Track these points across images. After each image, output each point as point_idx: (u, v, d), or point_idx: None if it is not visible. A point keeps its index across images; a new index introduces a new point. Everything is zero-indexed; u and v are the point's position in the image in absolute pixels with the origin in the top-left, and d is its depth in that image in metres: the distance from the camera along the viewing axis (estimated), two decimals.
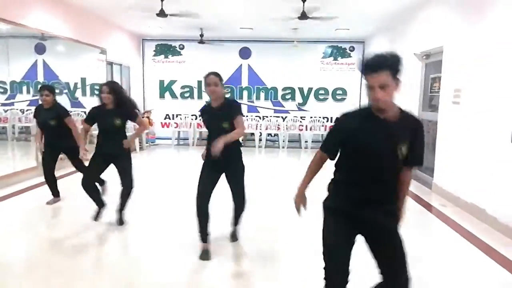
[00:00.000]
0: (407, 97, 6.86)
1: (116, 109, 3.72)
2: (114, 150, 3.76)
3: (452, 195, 5.06)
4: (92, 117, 3.85)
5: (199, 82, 10.78)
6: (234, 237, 3.58)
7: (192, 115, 10.60)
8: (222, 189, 3.26)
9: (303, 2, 5.99)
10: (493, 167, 4.18)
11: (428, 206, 5.05)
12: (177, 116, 10.82)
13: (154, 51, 10.85)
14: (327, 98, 10.62)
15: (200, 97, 10.86)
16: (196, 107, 10.63)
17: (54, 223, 4.24)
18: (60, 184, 4.88)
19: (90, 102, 8.96)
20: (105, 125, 3.76)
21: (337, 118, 1.93)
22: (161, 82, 10.90)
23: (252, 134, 10.44)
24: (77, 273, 2.97)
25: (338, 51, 10.52)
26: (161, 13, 6.12)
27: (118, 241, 3.72)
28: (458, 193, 4.91)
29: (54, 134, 4.42)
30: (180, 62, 10.83)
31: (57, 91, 4.81)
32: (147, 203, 4.84)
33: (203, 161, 3.27)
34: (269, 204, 4.95)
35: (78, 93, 9.32)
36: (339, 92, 10.55)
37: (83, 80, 9.10)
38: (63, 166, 5.55)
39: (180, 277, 2.95)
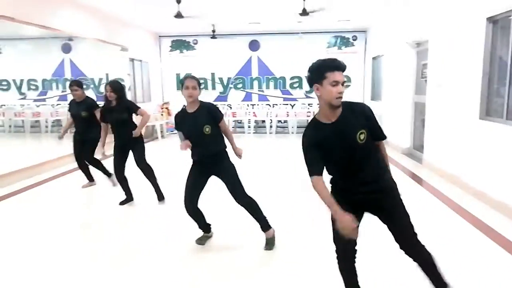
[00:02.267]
0: (401, 83, 7.54)
1: (120, 105, 4.34)
2: (126, 140, 4.39)
3: (437, 168, 5.76)
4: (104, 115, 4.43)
5: (212, 74, 11.62)
6: (267, 244, 3.32)
7: None
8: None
9: (304, 0, 6.69)
10: (466, 140, 4.88)
11: (418, 180, 5.73)
12: None
13: (170, 46, 11.68)
14: None
15: (213, 87, 11.71)
16: (209, 98, 11.45)
17: (85, 203, 5.06)
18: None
19: None
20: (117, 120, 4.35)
21: (303, 141, 2.10)
22: (178, 75, 11.74)
23: (263, 121, 11.21)
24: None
25: (342, 41, 11.16)
26: (178, 15, 6.88)
27: (135, 218, 4.57)
28: (441, 166, 5.61)
29: (84, 125, 5.04)
30: (194, 56, 11.63)
31: (84, 86, 5.50)
32: (172, 184, 5.66)
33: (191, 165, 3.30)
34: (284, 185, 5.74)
35: (103, 88, 10.16)
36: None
37: (107, 76, 9.97)
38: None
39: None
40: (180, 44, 11.67)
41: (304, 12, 6.94)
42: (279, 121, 11.39)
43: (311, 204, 4.56)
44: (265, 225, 3.29)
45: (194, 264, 3.14)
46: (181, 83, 3.14)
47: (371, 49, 10.44)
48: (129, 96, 9.69)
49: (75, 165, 5.45)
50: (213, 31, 10.36)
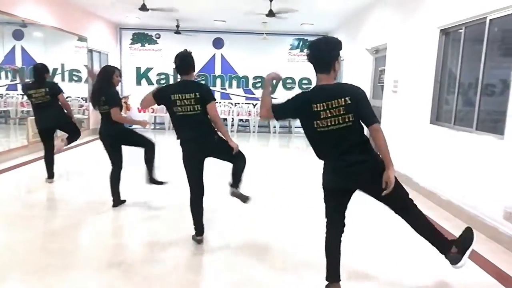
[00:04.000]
0: (360, 87, 7.87)
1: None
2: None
3: None
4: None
5: (175, 70, 11.43)
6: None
7: None
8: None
9: (270, 2, 6.80)
10: (418, 143, 5.21)
11: None
12: None
13: (131, 39, 11.37)
14: (294, 87, 11.56)
15: None
16: None
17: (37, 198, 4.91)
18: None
19: (70, 87, 9.46)
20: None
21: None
22: (138, 69, 11.46)
23: (225, 119, 11.22)
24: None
25: (304, 44, 11.43)
26: (143, 8, 6.74)
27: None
28: (395, 167, 5.93)
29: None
30: (156, 50, 11.41)
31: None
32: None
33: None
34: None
35: (58, 79, 9.71)
36: (304, 81, 11.50)
37: (62, 66, 9.52)
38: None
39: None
40: (141, 38, 11.39)
41: (271, 13, 7.05)
42: (241, 120, 11.46)
43: (274, 205, 4.69)
44: None
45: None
46: None
47: None
48: (86, 88, 9.34)
49: (27, 158, 5.19)
50: (177, 26, 10.22)
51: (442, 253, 2.60)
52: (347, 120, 2.27)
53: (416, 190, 5.15)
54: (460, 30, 4.43)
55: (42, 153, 5.09)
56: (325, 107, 2.28)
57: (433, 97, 4.89)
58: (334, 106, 2.26)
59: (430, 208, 4.52)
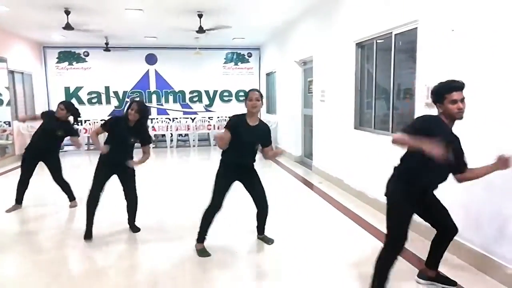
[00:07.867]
0: (292, 97, 8.26)
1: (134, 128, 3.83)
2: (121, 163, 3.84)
3: (324, 173, 6.47)
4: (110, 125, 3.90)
5: (107, 88, 11.12)
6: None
7: (101, 120, 10.81)
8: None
9: (200, 18, 6.93)
10: (345, 148, 5.61)
11: (310, 185, 6.33)
12: (85, 122, 10.94)
13: (57, 58, 10.84)
14: (231, 99, 11.78)
15: (108, 102, 11.19)
16: (104, 112, 10.93)
17: None
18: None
19: None
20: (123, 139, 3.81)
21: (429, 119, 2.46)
22: (67, 89, 10.93)
23: (163, 135, 11.07)
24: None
25: (238, 57, 11.73)
26: (67, 27, 6.50)
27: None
28: (327, 171, 6.32)
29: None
30: (86, 68, 10.99)
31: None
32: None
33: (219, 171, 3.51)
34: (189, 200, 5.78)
35: None
36: (241, 93, 11.75)
37: None
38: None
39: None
40: (69, 56, 10.91)
41: (201, 30, 7.18)
42: (180, 134, 11.38)
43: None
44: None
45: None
46: (245, 96, 3.44)
47: (265, 65, 11.18)
48: (9, 111, 8.72)
49: None
50: (106, 43, 9.96)
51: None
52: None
53: (346, 191, 5.54)
54: (372, 43, 4.89)
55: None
56: None
57: (355, 104, 5.31)
58: None
59: (359, 206, 4.89)
